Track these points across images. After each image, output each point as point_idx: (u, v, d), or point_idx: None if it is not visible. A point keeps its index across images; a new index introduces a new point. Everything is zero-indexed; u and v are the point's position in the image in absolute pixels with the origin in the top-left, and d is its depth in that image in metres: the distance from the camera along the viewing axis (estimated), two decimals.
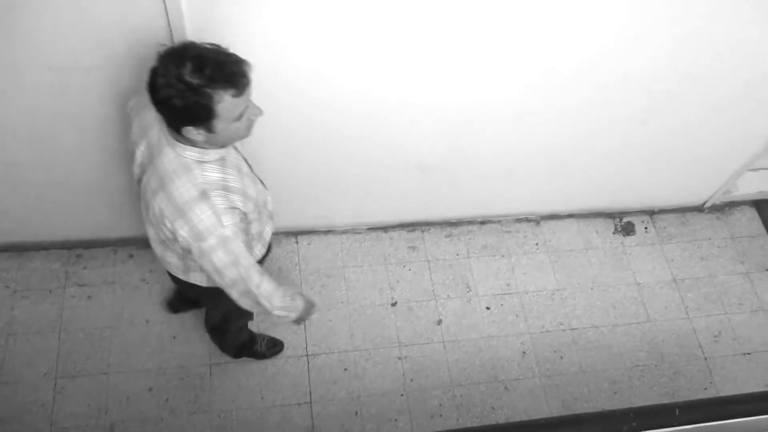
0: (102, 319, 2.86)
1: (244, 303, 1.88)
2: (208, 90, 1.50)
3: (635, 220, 3.50)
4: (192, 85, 1.49)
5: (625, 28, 2.35)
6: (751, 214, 3.62)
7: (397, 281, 3.11)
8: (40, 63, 2.12)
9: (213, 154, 1.71)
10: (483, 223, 3.36)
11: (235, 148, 1.88)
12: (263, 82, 1.89)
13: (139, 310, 2.90)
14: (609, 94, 2.64)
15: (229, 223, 1.70)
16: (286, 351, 2.88)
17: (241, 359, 2.82)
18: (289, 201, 2.96)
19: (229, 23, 2.08)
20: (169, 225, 1.70)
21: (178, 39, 2.08)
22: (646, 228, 3.49)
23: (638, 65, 2.53)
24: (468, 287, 3.17)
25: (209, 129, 1.60)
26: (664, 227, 3.50)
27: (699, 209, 3.58)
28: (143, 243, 3.03)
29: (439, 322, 3.05)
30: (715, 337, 3.20)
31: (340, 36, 2.19)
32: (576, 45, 2.38)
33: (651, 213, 3.54)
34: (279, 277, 3.06)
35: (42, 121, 2.36)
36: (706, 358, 3.13)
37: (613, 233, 3.45)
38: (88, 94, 2.26)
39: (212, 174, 1.71)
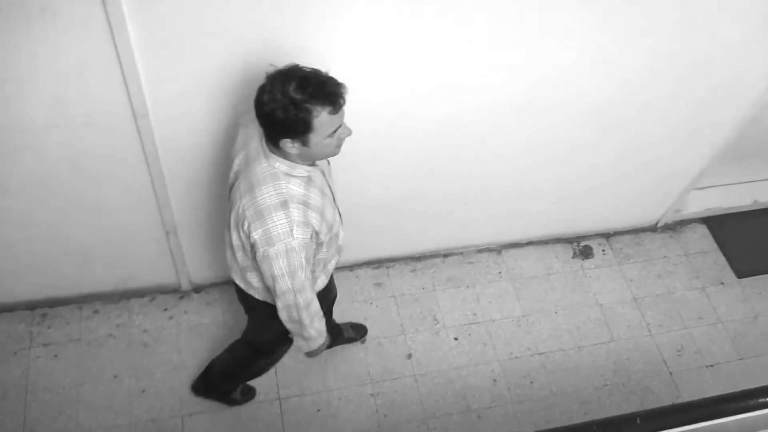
0: (69, 377, 2.83)
1: (285, 316, 2.01)
2: (308, 105, 1.69)
3: (592, 243, 3.62)
4: (295, 100, 1.68)
5: (574, 60, 2.49)
6: (702, 230, 3.76)
7: (365, 318, 3.14)
8: None
9: (301, 170, 1.87)
10: (446, 255, 3.44)
11: (323, 174, 2.01)
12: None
13: (107, 366, 2.88)
14: (559, 123, 2.77)
15: (299, 237, 1.83)
16: (258, 396, 2.87)
17: (212, 405, 2.80)
18: None
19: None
20: (245, 226, 1.85)
21: (134, 97, 2.14)
22: (603, 250, 3.60)
23: (587, 94, 2.67)
24: (435, 319, 3.21)
25: (304, 142, 1.77)
26: (621, 248, 3.62)
27: (652, 229, 3.71)
28: (108, 298, 3.04)
29: (409, 356, 3.09)
30: (678, 351, 3.29)
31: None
32: (526, 76, 2.51)
33: (607, 236, 3.66)
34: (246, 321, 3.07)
35: (1, 180, 2.38)
36: (671, 373, 3.21)
37: (573, 257, 3.55)
38: (43, 153, 2.30)
39: (296, 188, 1.87)
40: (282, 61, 2.07)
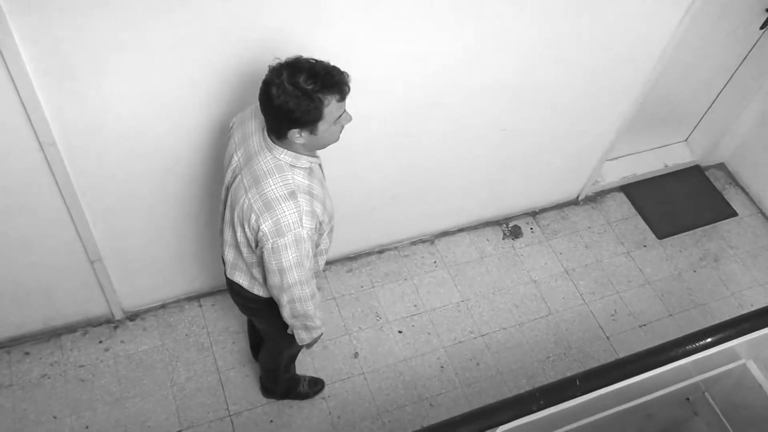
0: (5, 425, 2.70)
1: (288, 312, 2.05)
2: (320, 95, 1.74)
3: (520, 222, 3.72)
4: (306, 91, 1.72)
5: (478, 44, 2.56)
6: (621, 198, 3.93)
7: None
8: None
9: (304, 161, 1.91)
10: (381, 252, 3.46)
11: (320, 166, 2.04)
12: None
13: (45, 408, 2.76)
14: (467, 108, 2.83)
15: (308, 226, 1.87)
16: (207, 415, 2.82)
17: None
18: (189, 264, 2.95)
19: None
20: (254, 219, 1.86)
21: (38, 126, 2.07)
22: (531, 228, 3.71)
23: (495, 77, 2.75)
24: (378, 316, 3.23)
25: (312, 131, 1.81)
26: (547, 224, 3.74)
27: (575, 203, 3.85)
28: (38, 338, 2.92)
29: (356, 354, 3.09)
30: (612, 316, 3.42)
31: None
32: (434, 65, 2.56)
33: (533, 214, 3.77)
34: (188, 342, 3.02)
35: None
36: (608, 337, 3.34)
37: (503, 239, 3.64)
38: None
39: (301, 179, 1.90)
40: (193, 74, 2.06)
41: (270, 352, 2.64)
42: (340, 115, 1.85)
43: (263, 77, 1.78)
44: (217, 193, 2.60)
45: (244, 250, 2.02)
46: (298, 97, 1.72)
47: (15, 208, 2.34)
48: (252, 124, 1.98)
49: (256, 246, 1.93)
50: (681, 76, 3.53)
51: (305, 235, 1.87)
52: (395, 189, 3.11)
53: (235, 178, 1.98)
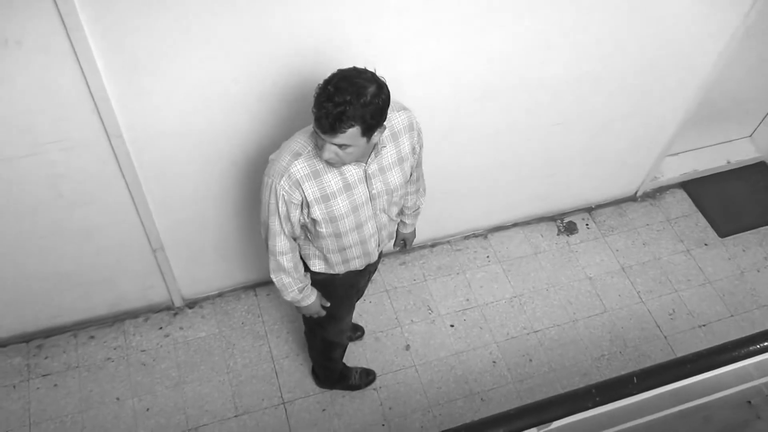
0: (71, 404, 2.83)
1: (263, 237, 2.15)
2: (315, 103, 1.80)
3: (576, 218, 3.66)
4: (318, 90, 1.79)
5: (537, 40, 2.54)
6: (681, 195, 3.83)
7: (360, 315, 3.16)
8: None
9: (310, 147, 1.97)
10: (433, 245, 3.47)
11: (367, 179, 2.04)
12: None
13: (108, 389, 2.88)
14: (522, 102, 2.81)
15: (284, 186, 1.94)
16: (262, 402, 2.89)
17: (216, 415, 2.82)
18: (247, 254, 3.02)
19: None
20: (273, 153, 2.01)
21: (106, 118, 2.16)
22: (587, 225, 3.65)
23: (548, 72, 2.72)
24: (430, 309, 3.24)
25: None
26: (604, 221, 3.67)
27: (632, 199, 3.77)
28: (102, 322, 3.04)
29: (408, 347, 3.11)
30: (671, 315, 3.34)
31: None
32: (495, 60, 2.55)
33: (589, 210, 3.70)
34: (244, 330, 3.09)
35: None
36: (665, 337, 3.26)
37: (558, 234, 3.59)
38: (23, 183, 2.30)
39: (316, 160, 1.95)
40: (251, 71, 2.11)
41: (305, 326, 2.67)
42: (323, 143, 1.84)
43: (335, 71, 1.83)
44: None
45: None
46: (318, 88, 1.79)
47: (83, 197, 2.44)
48: None
49: None
50: (746, 70, 3.41)
51: (277, 190, 1.95)
52: (448, 183, 3.11)
53: None
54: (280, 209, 2.00)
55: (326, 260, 2.23)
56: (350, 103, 1.74)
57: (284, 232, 2.06)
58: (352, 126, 1.78)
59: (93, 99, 2.10)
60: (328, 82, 1.78)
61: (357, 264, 2.28)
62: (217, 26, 2.04)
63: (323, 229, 2.07)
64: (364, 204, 2.08)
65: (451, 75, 2.55)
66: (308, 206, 2.00)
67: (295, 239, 2.15)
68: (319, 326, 2.53)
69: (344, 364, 2.91)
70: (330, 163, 1.92)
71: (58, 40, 1.91)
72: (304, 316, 2.50)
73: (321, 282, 2.31)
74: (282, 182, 1.94)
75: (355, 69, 1.82)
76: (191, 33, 2.03)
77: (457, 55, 2.47)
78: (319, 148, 1.90)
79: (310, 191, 1.97)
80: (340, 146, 1.83)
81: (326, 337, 2.64)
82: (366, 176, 2.03)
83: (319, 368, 2.91)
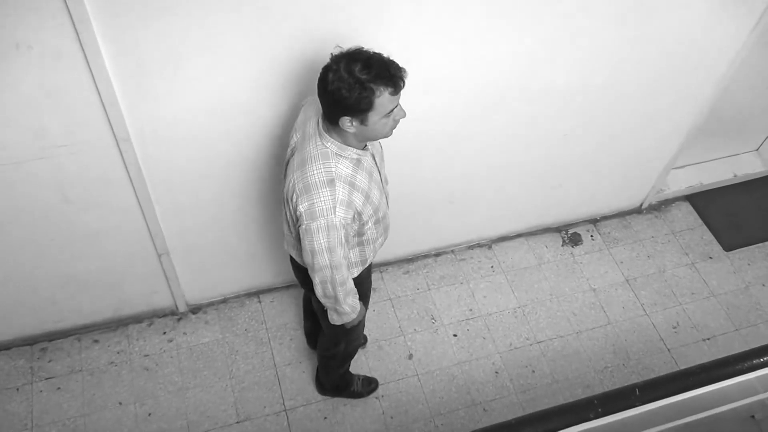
0: (74, 408, 2.83)
1: (321, 291, 2.10)
2: (373, 85, 1.78)
3: (580, 230, 3.66)
4: (360, 80, 1.77)
5: (544, 50, 2.55)
6: (686, 208, 3.82)
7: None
8: None
9: (351, 152, 1.97)
10: (437, 255, 3.47)
11: (374, 158, 2.09)
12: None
13: (111, 393, 2.88)
14: (529, 111, 2.82)
15: (341, 215, 1.93)
16: (264, 409, 2.89)
17: (218, 422, 2.82)
18: (252, 260, 3.03)
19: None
20: (294, 199, 1.95)
21: (115, 123, 2.17)
22: (591, 236, 3.65)
23: (555, 82, 2.73)
24: (433, 318, 3.24)
25: (363, 121, 1.86)
26: (609, 233, 3.67)
27: (638, 211, 3.76)
28: (106, 326, 3.05)
29: (410, 356, 3.11)
30: (674, 328, 3.33)
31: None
32: (499, 69, 2.56)
33: (594, 221, 3.70)
34: (247, 336, 3.09)
35: None
36: (669, 350, 3.25)
37: (562, 245, 3.59)
38: (30, 186, 2.32)
39: (344, 168, 1.96)
40: (260, 77, 2.13)
41: (328, 337, 2.62)
42: (393, 109, 1.88)
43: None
44: (280, 193, 2.67)
45: (291, 225, 2.11)
46: (351, 84, 1.77)
47: (90, 201, 2.45)
48: (312, 109, 2.07)
49: (296, 223, 2.01)
50: (753, 84, 3.41)
51: (337, 223, 1.93)
52: (453, 192, 3.12)
53: (291, 156, 2.06)
54: (342, 240, 1.98)
55: (363, 261, 2.27)
56: (379, 54, 1.82)
57: (344, 260, 2.05)
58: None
59: (102, 103, 2.12)
60: (360, 70, 1.77)
61: (380, 243, 2.31)
62: (225, 33, 2.06)
63: (369, 222, 2.09)
64: (380, 182, 2.14)
65: (457, 85, 2.56)
66: (360, 215, 2.02)
67: None
68: (350, 333, 2.51)
69: (348, 371, 2.91)
70: (390, 134, 1.95)
71: (68, 45, 1.93)
72: (332, 327, 2.46)
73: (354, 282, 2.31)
74: (338, 212, 1.92)
75: (337, 60, 1.82)
76: (200, 39, 2.05)
77: (463, 65, 2.49)
78: (385, 134, 1.94)
79: (358, 201, 1.99)
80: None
81: (351, 342, 2.64)
82: (373, 156, 2.10)
83: (331, 376, 2.87)
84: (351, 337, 2.58)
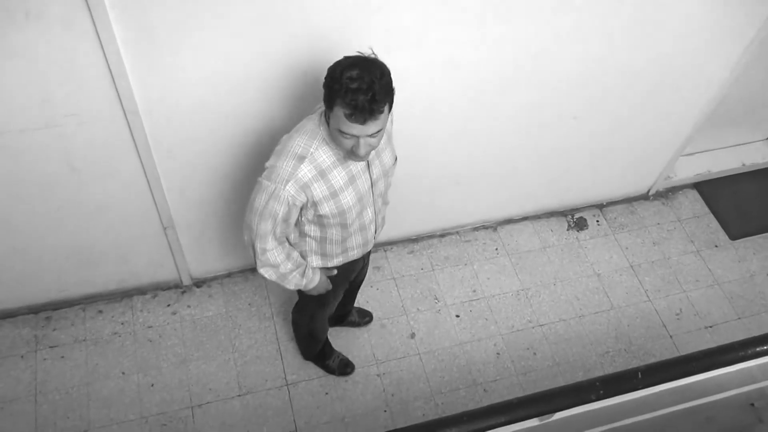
0: (77, 377, 2.86)
1: (250, 250, 2.12)
2: (337, 94, 1.74)
3: (586, 214, 3.65)
4: (336, 78, 1.74)
5: (555, 32, 2.52)
6: (693, 195, 3.81)
7: (367, 301, 3.18)
8: None
9: (328, 150, 1.95)
10: (442, 235, 3.47)
11: (368, 169, 2.06)
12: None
13: (114, 363, 2.91)
14: (540, 94, 2.80)
15: (291, 192, 1.93)
16: (266, 383, 2.91)
17: (220, 395, 2.84)
18: None
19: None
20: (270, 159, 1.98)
21: (123, 94, 2.16)
22: (597, 221, 3.64)
23: (570, 66, 2.71)
24: (436, 298, 3.25)
25: (328, 119, 1.87)
26: (615, 218, 3.66)
27: (645, 197, 3.75)
28: (111, 297, 3.06)
29: (413, 335, 3.12)
30: (677, 315, 3.33)
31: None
32: (509, 50, 2.54)
33: (600, 206, 3.69)
34: (251, 311, 3.11)
35: None
36: (671, 336, 3.25)
37: (567, 230, 3.59)
38: (38, 155, 2.32)
39: (323, 155, 1.95)
40: (269, 52, 2.11)
41: (299, 300, 2.63)
42: (349, 134, 1.80)
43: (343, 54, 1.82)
44: None
45: None
46: (331, 77, 1.76)
47: (97, 172, 2.45)
48: None
49: None
50: (764, 73, 3.38)
51: (281, 196, 1.93)
52: (459, 173, 3.11)
53: None
54: (279, 213, 1.97)
55: (323, 255, 2.23)
56: (376, 82, 1.72)
57: (274, 234, 2.05)
58: (383, 106, 1.76)
59: (111, 73, 2.10)
60: (341, 72, 1.72)
61: (356, 254, 2.29)
62: (235, 4, 2.04)
63: (330, 220, 2.07)
64: (366, 192, 2.08)
65: (466, 66, 2.54)
66: (315, 205, 1.99)
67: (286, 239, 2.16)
68: (315, 304, 2.53)
69: (329, 344, 2.92)
70: (359, 159, 1.89)
71: (78, 13, 1.92)
72: (300, 293, 2.49)
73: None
74: (288, 187, 1.92)
75: (350, 56, 1.79)
76: (210, 11, 2.03)
77: (476, 45, 2.46)
78: (343, 148, 1.87)
79: (318, 191, 1.96)
80: (372, 135, 1.81)
81: (315, 319, 2.66)
82: (368, 164, 2.04)
83: (300, 342, 2.93)
84: (315, 314, 2.60)
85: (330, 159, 1.95)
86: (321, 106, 1.95)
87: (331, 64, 1.80)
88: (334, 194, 1.99)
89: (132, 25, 2.00)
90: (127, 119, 2.27)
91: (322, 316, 2.66)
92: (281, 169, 1.92)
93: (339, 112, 1.76)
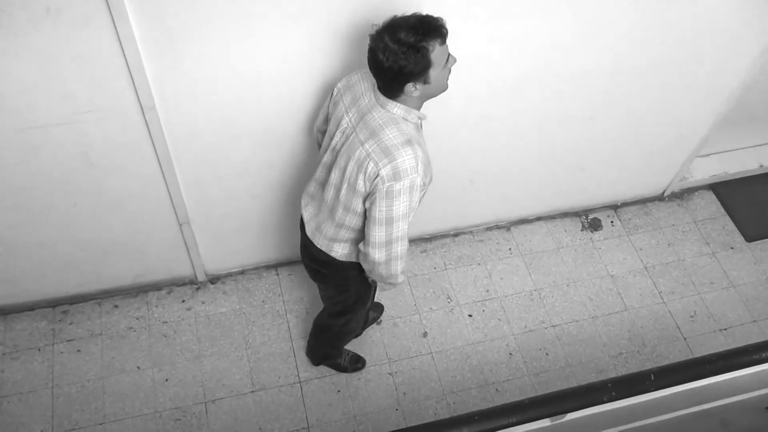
0: (93, 370, 2.89)
1: (385, 269, 2.09)
2: (424, 44, 1.81)
3: (601, 215, 3.64)
4: (411, 44, 1.80)
5: (570, 30, 2.51)
6: (709, 197, 3.78)
7: (380, 299, 3.18)
8: (7, 125, 2.20)
9: (414, 116, 1.98)
10: (456, 235, 3.47)
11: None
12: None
13: (129, 358, 2.94)
14: (559, 95, 2.79)
15: (422, 174, 1.94)
16: (278, 380, 2.93)
17: (233, 390, 2.86)
18: (271, 233, 3.05)
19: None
20: (371, 167, 1.92)
21: (140, 89, 2.19)
22: (612, 222, 3.62)
23: (585, 65, 2.69)
24: (449, 298, 3.25)
25: (426, 80, 1.89)
26: (629, 219, 3.64)
27: (659, 198, 3.73)
28: (127, 292, 3.09)
29: (425, 334, 3.13)
30: (692, 317, 3.31)
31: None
32: (523, 49, 2.53)
33: (615, 207, 3.68)
34: (264, 308, 3.13)
35: (16, 182, 2.43)
36: (685, 339, 3.23)
37: (581, 230, 3.57)
38: (56, 150, 2.35)
39: (413, 131, 1.99)
40: (286, 52, 2.12)
41: (335, 308, 2.60)
42: (447, 59, 1.91)
43: (368, 44, 1.86)
44: (303, 165, 2.68)
45: (339, 211, 2.09)
46: (404, 52, 1.80)
47: (115, 168, 2.48)
48: (362, 86, 2.05)
49: (371, 194, 1.97)
50: None
51: (419, 183, 1.94)
52: (473, 172, 3.10)
53: (347, 138, 2.03)
54: (416, 204, 2.00)
55: None
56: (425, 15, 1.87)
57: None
58: None
59: (129, 70, 2.13)
60: (397, 25, 1.81)
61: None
62: (253, 4, 2.06)
63: (425, 189, 2.10)
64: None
65: (481, 66, 2.54)
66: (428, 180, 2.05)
67: None
68: (358, 310, 2.56)
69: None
70: (447, 84, 1.99)
71: (98, 10, 1.94)
72: (343, 301, 2.49)
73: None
74: (420, 171, 1.93)
75: (385, 24, 1.86)
76: (228, 10, 2.05)
77: (494, 43, 2.46)
78: (444, 88, 1.97)
79: (431, 165, 2.04)
80: None
81: (353, 320, 2.66)
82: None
83: (320, 346, 2.88)
84: (356, 315, 2.61)
85: (416, 131, 2.00)
86: (369, 102, 2.00)
87: (387, 60, 1.82)
88: (428, 159, 2.03)
89: (150, 20, 2.02)
90: (144, 115, 2.30)
91: (363, 312, 2.66)
92: (404, 161, 1.91)
93: (437, 52, 1.84)
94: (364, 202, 2.02)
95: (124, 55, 2.07)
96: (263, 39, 2.18)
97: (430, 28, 1.82)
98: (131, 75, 2.14)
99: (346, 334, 2.80)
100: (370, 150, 1.93)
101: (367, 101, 2.01)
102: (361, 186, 1.98)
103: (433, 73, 1.87)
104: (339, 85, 2.14)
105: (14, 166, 2.36)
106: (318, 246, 2.26)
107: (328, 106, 2.18)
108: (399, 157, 1.90)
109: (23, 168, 2.38)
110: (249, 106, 2.39)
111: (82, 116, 2.25)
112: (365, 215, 2.06)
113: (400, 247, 2.05)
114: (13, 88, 2.10)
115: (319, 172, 2.19)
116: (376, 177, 1.92)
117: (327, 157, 2.13)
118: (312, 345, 2.93)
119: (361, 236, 2.14)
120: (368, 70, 1.94)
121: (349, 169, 1.99)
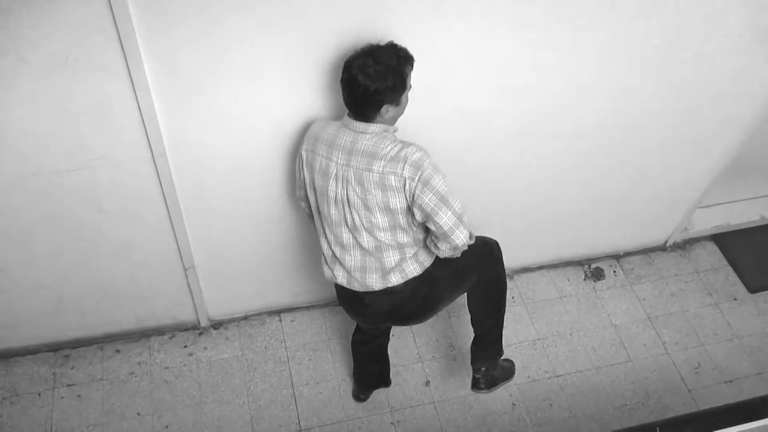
0: (93, 416, 2.86)
1: (463, 236, 2.14)
2: (402, 68, 1.98)
3: (603, 265, 3.65)
4: (393, 67, 1.96)
5: (575, 82, 2.58)
6: (711, 248, 3.79)
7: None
8: (19, 168, 2.24)
9: (391, 130, 2.11)
10: None
11: None
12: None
13: (130, 404, 2.91)
14: (563, 147, 2.84)
15: (432, 156, 2.06)
16: (279, 428, 2.90)
17: None
18: (275, 280, 3.06)
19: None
20: (393, 179, 2.01)
21: (152, 137, 2.23)
22: (614, 271, 3.63)
23: (589, 116, 2.75)
24: (451, 346, 3.24)
25: (398, 102, 2.04)
26: (632, 269, 3.65)
27: (662, 248, 3.74)
28: (129, 337, 3.09)
29: (427, 383, 3.10)
30: (696, 369, 3.29)
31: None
32: (529, 100, 2.59)
33: (617, 257, 3.69)
34: (266, 354, 3.12)
35: (23, 225, 2.45)
36: (690, 390, 3.21)
37: (584, 279, 3.58)
38: (67, 196, 2.38)
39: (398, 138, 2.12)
40: (297, 101, 2.17)
41: (482, 275, 2.56)
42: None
43: (342, 75, 2.01)
44: (310, 214, 2.70)
45: (389, 235, 2.13)
46: (385, 74, 1.94)
47: (123, 213, 2.51)
48: (329, 130, 2.13)
49: (413, 201, 2.05)
50: None
51: (435, 162, 2.04)
52: (476, 221, 3.12)
53: (345, 180, 2.08)
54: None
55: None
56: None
57: None
58: None
59: (142, 117, 2.18)
60: (376, 50, 1.99)
61: None
62: (263, 55, 2.12)
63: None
64: None
65: (485, 115, 2.59)
66: None
67: None
68: (493, 255, 2.60)
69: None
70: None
71: (114, 60, 2.00)
72: (460, 262, 2.37)
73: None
74: (431, 155, 2.07)
75: (355, 56, 2.02)
76: (238, 59, 2.11)
77: (493, 96, 2.52)
78: (406, 103, 2.12)
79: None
80: None
81: (499, 262, 2.64)
82: None
83: (503, 296, 2.73)
84: (497, 257, 2.59)
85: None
86: (347, 136, 2.08)
87: (366, 81, 1.95)
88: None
89: (164, 70, 2.08)
90: (155, 162, 2.34)
91: (498, 258, 2.66)
92: (414, 155, 2.02)
93: (409, 75, 2.02)
94: (411, 212, 2.10)
95: (138, 103, 2.12)
96: (271, 89, 2.24)
97: (406, 54, 1.99)
98: (144, 123, 2.19)
99: (505, 283, 2.69)
100: (381, 167, 2.02)
101: (345, 137, 2.08)
102: (400, 201, 2.05)
103: (404, 96, 2.03)
104: (303, 146, 2.20)
105: (23, 209, 2.39)
106: (394, 286, 2.23)
107: (303, 172, 2.22)
108: (408, 156, 2.01)
109: (32, 211, 2.42)
110: (257, 153, 2.44)
111: (93, 162, 2.29)
112: (415, 224, 2.15)
113: (466, 216, 2.13)
114: (27, 133, 2.15)
115: (337, 231, 2.19)
116: (404, 183, 2.02)
117: (334, 212, 2.15)
118: (487, 342, 2.73)
119: (421, 242, 2.22)
120: (320, 119, 2.12)
121: (374, 197, 2.05)
